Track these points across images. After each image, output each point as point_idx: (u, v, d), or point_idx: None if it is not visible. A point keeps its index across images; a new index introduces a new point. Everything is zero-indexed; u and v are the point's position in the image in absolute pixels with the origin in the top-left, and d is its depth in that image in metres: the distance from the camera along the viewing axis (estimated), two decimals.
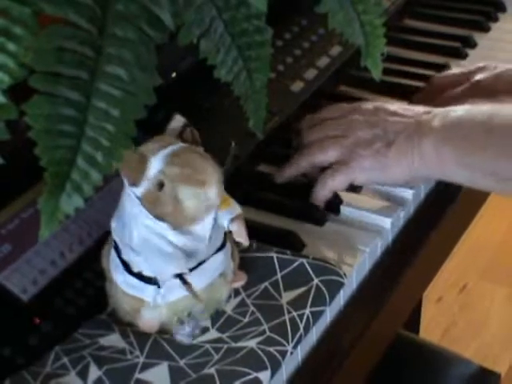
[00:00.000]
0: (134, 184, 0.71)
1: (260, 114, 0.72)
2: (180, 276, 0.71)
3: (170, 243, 0.72)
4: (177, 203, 0.70)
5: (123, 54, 0.57)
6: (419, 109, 0.90)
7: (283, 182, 0.94)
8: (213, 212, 0.73)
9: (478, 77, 1.00)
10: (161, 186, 0.71)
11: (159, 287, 0.73)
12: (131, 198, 0.72)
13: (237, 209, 0.76)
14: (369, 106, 0.93)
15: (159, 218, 0.71)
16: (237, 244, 0.80)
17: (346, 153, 0.89)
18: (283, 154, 1.01)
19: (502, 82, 0.97)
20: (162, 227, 0.72)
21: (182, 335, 0.76)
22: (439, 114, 0.86)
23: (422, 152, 0.85)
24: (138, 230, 0.72)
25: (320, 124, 0.94)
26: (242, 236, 0.75)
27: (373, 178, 0.89)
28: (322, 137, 0.92)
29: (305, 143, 0.94)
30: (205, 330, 0.77)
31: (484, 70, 1.01)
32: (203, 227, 0.73)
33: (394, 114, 0.90)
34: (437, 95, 1.02)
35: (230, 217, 0.75)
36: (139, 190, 0.71)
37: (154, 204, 0.71)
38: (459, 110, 0.86)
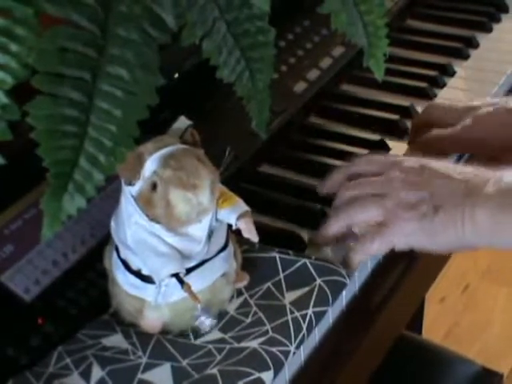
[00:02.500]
0: (130, 183, 0.71)
1: (263, 115, 0.72)
2: (176, 275, 0.71)
3: (165, 243, 0.72)
4: (168, 205, 0.70)
5: (126, 55, 0.57)
6: (467, 170, 0.82)
7: (322, 241, 0.87)
8: (210, 214, 0.73)
9: (473, 117, 0.95)
10: (154, 187, 0.71)
11: (158, 286, 0.73)
12: (127, 197, 0.73)
13: (242, 206, 0.76)
14: (412, 163, 0.85)
15: (153, 218, 0.72)
16: (239, 244, 0.80)
17: (388, 215, 0.82)
18: (286, 155, 1.01)
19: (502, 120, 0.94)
20: (156, 228, 0.72)
21: (206, 327, 0.75)
22: (492, 179, 0.80)
23: (475, 221, 0.78)
24: (132, 229, 0.73)
25: (357, 180, 0.87)
26: (250, 233, 0.75)
27: (415, 243, 0.82)
28: (363, 194, 0.85)
29: (342, 201, 0.86)
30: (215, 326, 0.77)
31: (477, 110, 0.96)
32: (200, 228, 0.73)
33: (441, 175, 0.82)
34: (426, 131, 0.98)
35: (236, 214, 0.75)
36: (135, 190, 0.71)
37: (147, 204, 0.71)
38: None
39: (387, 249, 0.84)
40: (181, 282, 0.71)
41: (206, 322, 0.74)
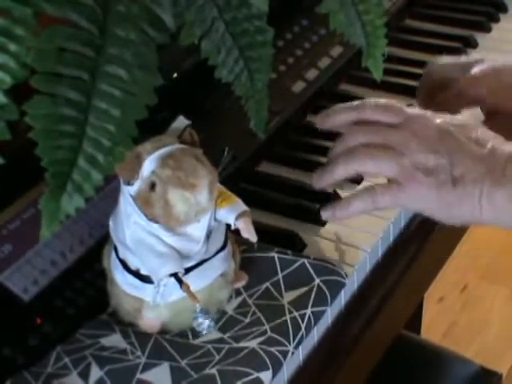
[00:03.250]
0: (129, 183, 0.71)
1: (261, 114, 0.72)
2: (175, 275, 0.71)
3: (164, 243, 0.72)
4: (166, 205, 0.70)
5: (124, 55, 0.57)
6: (488, 140, 0.78)
7: (320, 188, 0.82)
8: (208, 214, 0.73)
9: (477, 71, 0.92)
10: (152, 186, 0.71)
11: (157, 286, 0.73)
12: (125, 197, 0.73)
13: (241, 206, 0.76)
14: (435, 121, 0.79)
15: (152, 217, 0.72)
16: (238, 244, 0.80)
17: (404, 174, 0.77)
18: (284, 154, 1.01)
19: (502, 80, 0.91)
20: (154, 227, 0.72)
21: (204, 328, 0.75)
22: None
23: (493, 201, 0.75)
24: (130, 228, 0.73)
25: (366, 125, 0.81)
26: (249, 232, 0.75)
27: (426, 210, 0.79)
28: (374, 144, 0.79)
29: (348, 146, 0.80)
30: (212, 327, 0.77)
31: (481, 64, 0.92)
32: (198, 228, 0.73)
33: (463, 145, 0.78)
34: (436, 92, 0.96)
35: (235, 214, 0.75)
36: (133, 189, 0.71)
37: (146, 204, 0.71)
38: None
39: (395, 207, 0.80)
40: (179, 281, 0.71)
41: (204, 323, 0.74)
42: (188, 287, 0.71)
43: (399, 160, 0.77)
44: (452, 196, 0.77)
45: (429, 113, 0.81)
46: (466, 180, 0.76)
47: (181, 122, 0.76)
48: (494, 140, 0.79)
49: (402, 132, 0.78)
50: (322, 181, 0.81)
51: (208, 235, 0.75)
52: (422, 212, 0.80)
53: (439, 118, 0.80)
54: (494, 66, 0.92)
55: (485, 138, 0.79)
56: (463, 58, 0.97)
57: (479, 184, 0.76)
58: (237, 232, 0.76)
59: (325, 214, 0.82)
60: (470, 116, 0.85)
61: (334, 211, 0.81)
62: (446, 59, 0.97)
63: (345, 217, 0.82)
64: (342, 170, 0.79)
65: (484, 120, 0.90)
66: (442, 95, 0.93)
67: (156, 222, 0.72)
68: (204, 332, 0.74)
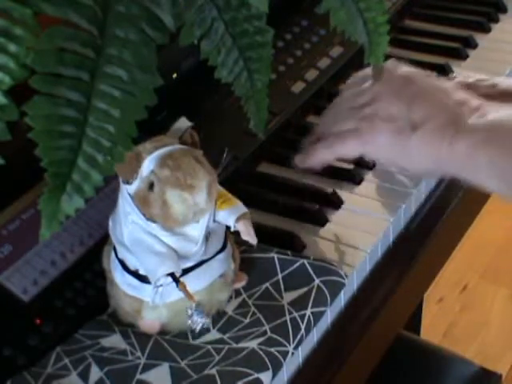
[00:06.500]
0: (128, 182, 0.71)
1: (261, 115, 0.72)
2: (172, 275, 0.71)
3: (162, 242, 0.72)
4: (164, 205, 0.70)
5: (124, 55, 0.57)
6: (458, 94, 0.80)
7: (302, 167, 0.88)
8: (207, 215, 0.73)
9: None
10: (151, 186, 0.71)
11: (154, 286, 0.73)
12: (124, 195, 0.73)
13: (241, 208, 0.76)
14: (403, 72, 0.82)
15: (150, 217, 0.72)
16: (237, 245, 0.80)
17: (364, 121, 0.80)
18: (284, 155, 1.01)
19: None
20: (152, 227, 0.72)
21: (198, 325, 0.75)
22: (481, 110, 0.78)
23: (453, 149, 0.77)
24: (128, 227, 0.73)
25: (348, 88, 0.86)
26: (249, 235, 0.75)
27: (386, 157, 0.82)
28: (344, 105, 0.84)
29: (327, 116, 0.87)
30: (206, 331, 0.77)
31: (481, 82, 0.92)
32: (196, 229, 0.73)
33: (428, 94, 0.79)
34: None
35: (235, 216, 0.75)
36: (132, 188, 0.71)
37: (144, 204, 0.71)
38: (501, 113, 0.77)
39: (356, 154, 0.83)
40: (176, 280, 0.71)
41: (198, 320, 0.74)
42: (184, 286, 0.71)
43: (362, 111, 0.80)
44: (411, 142, 0.78)
45: (399, 66, 0.84)
46: (426, 127, 0.77)
47: (183, 122, 0.76)
48: (463, 94, 0.80)
49: (374, 86, 0.82)
50: (303, 163, 0.87)
51: (207, 236, 0.75)
52: (383, 161, 0.82)
53: (407, 68, 0.82)
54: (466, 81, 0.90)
55: (453, 91, 0.80)
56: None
57: (440, 132, 0.77)
58: (237, 234, 0.76)
59: (297, 159, 0.88)
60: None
61: (303, 158, 0.87)
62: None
63: (313, 164, 0.86)
64: (320, 155, 0.85)
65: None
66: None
67: (154, 221, 0.72)
68: (197, 330, 0.74)
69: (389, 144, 0.79)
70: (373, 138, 0.80)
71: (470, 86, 0.88)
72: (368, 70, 0.84)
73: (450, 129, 0.77)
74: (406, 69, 0.83)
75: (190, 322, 0.74)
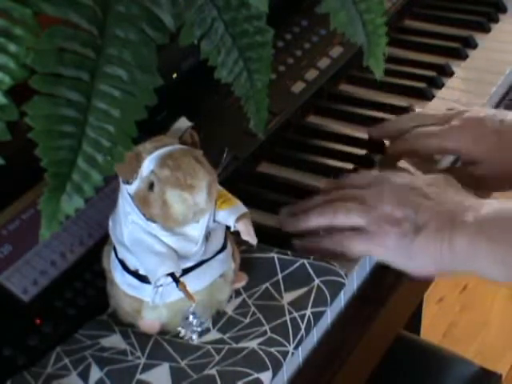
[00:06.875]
0: (128, 181, 0.71)
1: (261, 115, 0.72)
2: (172, 275, 0.71)
3: (162, 242, 0.72)
4: (164, 205, 0.70)
5: (124, 55, 0.57)
6: (454, 197, 0.84)
7: (290, 230, 0.88)
8: (207, 215, 0.73)
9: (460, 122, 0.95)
10: (151, 186, 0.71)
11: (154, 286, 0.73)
12: (124, 195, 0.73)
13: (241, 208, 0.76)
14: (402, 180, 0.86)
15: (150, 217, 0.72)
16: (237, 245, 0.80)
17: (372, 224, 0.82)
18: (284, 155, 1.01)
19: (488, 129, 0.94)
20: (152, 227, 0.72)
21: (190, 332, 0.75)
22: (473, 207, 0.81)
23: (453, 247, 0.79)
24: (128, 227, 0.73)
25: (345, 188, 0.88)
26: (249, 235, 0.75)
27: (391, 260, 0.83)
28: (347, 198, 0.85)
29: (325, 199, 0.87)
30: (206, 331, 0.77)
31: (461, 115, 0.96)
32: (196, 229, 0.73)
33: (428, 197, 0.83)
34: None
35: (235, 216, 0.75)
36: (132, 188, 0.71)
37: (144, 204, 0.71)
38: (494, 204, 0.81)
39: (362, 254, 0.85)
40: (176, 281, 0.71)
41: (193, 322, 0.74)
42: (184, 286, 0.71)
43: (370, 212, 0.83)
44: (415, 245, 0.81)
45: (398, 173, 0.89)
46: (427, 229, 0.81)
47: (183, 122, 0.76)
48: (457, 194, 0.84)
49: (376, 188, 0.85)
50: (292, 227, 0.87)
51: (207, 236, 0.75)
52: (386, 262, 0.84)
53: (408, 177, 0.87)
54: (478, 116, 0.95)
55: (448, 193, 0.84)
56: (441, 113, 0.99)
57: (440, 233, 0.80)
58: (237, 234, 0.76)
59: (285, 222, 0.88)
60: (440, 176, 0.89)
61: (294, 221, 0.87)
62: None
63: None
64: (316, 221, 0.85)
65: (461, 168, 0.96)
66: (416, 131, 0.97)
67: (154, 221, 0.72)
68: (194, 331, 0.75)
69: (394, 247, 0.82)
70: (381, 241, 0.82)
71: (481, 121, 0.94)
72: (372, 174, 0.88)
73: (448, 228, 0.80)
74: (407, 178, 0.87)
75: (183, 323, 0.74)
